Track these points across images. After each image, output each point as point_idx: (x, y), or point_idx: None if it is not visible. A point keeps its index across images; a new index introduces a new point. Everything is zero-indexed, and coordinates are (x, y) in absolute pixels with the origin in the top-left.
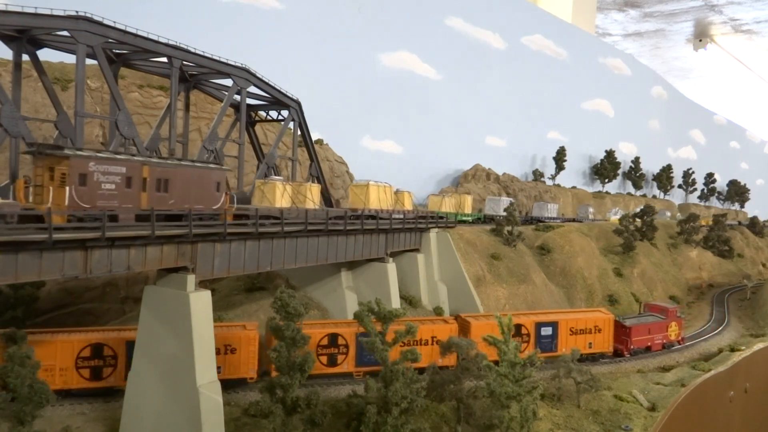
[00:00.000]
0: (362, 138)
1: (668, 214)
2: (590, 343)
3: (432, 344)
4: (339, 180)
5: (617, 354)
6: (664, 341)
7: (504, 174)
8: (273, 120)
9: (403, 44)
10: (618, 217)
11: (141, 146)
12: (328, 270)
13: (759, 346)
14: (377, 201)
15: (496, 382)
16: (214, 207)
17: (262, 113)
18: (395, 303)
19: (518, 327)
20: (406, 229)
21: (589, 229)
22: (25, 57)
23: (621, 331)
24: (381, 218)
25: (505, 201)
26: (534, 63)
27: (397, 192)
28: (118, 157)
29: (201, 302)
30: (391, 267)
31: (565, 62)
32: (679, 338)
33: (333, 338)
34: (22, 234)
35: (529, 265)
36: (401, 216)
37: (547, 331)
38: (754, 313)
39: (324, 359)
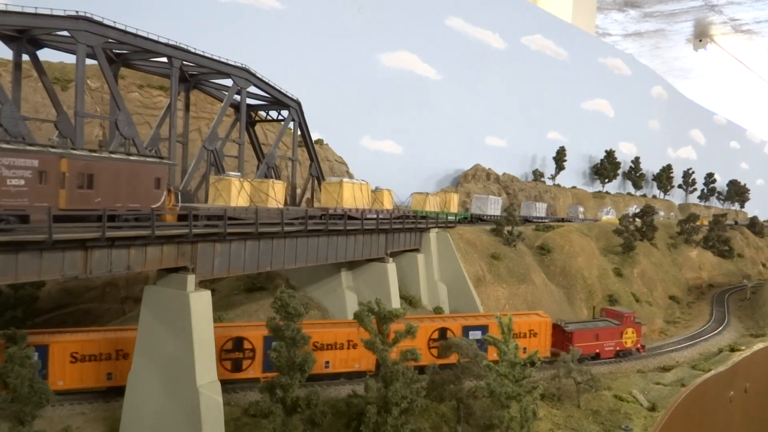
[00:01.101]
0: (362, 138)
1: (662, 213)
2: (524, 348)
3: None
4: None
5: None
6: (618, 348)
7: (504, 174)
8: (273, 120)
9: (403, 44)
10: (610, 216)
11: (141, 146)
12: (328, 270)
13: (759, 346)
14: (352, 200)
15: (496, 382)
16: (153, 206)
17: (262, 113)
18: (395, 303)
19: (444, 331)
20: (406, 229)
21: (589, 229)
22: (25, 57)
23: (562, 336)
24: (352, 218)
25: (493, 199)
26: (534, 63)
27: (375, 190)
28: (28, 148)
29: (201, 302)
30: (391, 267)
31: (565, 62)
32: (637, 345)
33: (238, 342)
34: (22, 234)
35: (529, 265)
36: (378, 216)
37: (476, 335)
38: (754, 313)
39: (228, 365)
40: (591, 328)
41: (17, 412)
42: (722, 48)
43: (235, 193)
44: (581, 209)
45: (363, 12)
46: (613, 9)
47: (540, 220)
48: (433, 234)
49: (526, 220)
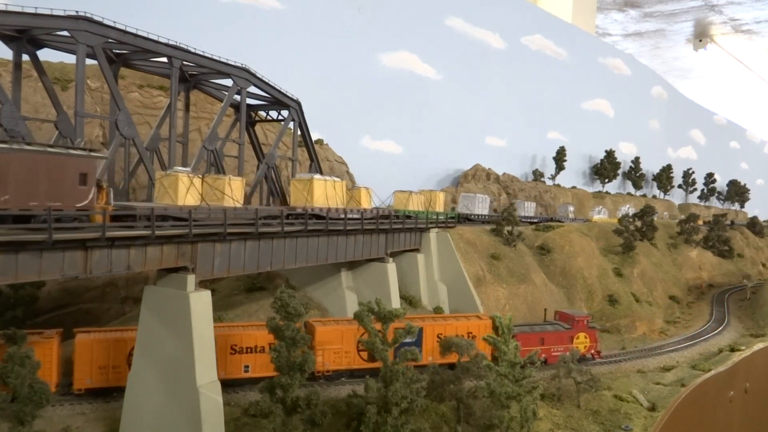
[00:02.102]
0: (362, 138)
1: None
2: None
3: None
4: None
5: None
6: (568, 353)
7: (504, 174)
8: (273, 120)
9: (403, 44)
10: (602, 216)
11: (141, 146)
12: (328, 270)
13: (759, 346)
14: (323, 198)
15: (496, 382)
16: (78, 205)
17: (262, 113)
18: (395, 303)
19: None
20: (406, 229)
21: (588, 229)
22: (25, 57)
23: None
24: (318, 217)
25: (481, 198)
26: (534, 63)
27: (353, 188)
28: None
29: (201, 302)
30: (391, 267)
31: (565, 62)
32: (592, 351)
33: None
34: (22, 234)
35: (529, 265)
36: (356, 216)
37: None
38: (754, 313)
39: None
40: (537, 331)
41: (17, 412)
42: (722, 48)
43: (183, 190)
44: (571, 208)
45: (363, 12)
46: (613, 9)
47: (528, 220)
48: (433, 234)
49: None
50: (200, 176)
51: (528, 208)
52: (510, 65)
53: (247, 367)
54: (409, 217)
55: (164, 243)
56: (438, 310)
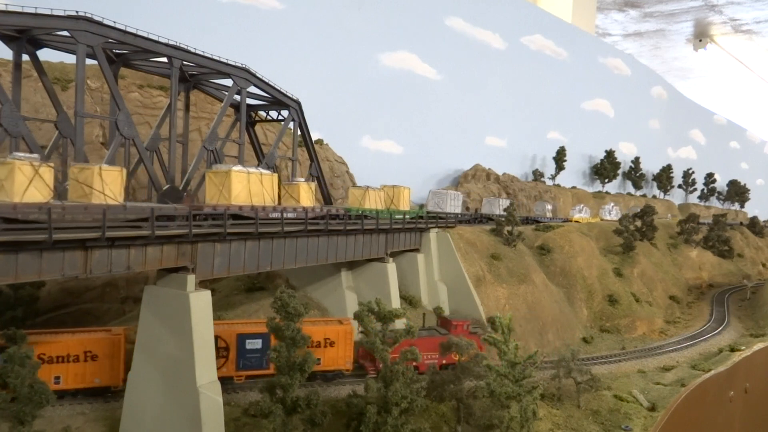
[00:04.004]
0: (362, 138)
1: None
2: (318, 359)
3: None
4: (339, 180)
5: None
6: (443, 362)
7: (504, 174)
8: (273, 120)
9: (403, 44)
10: (583, 215)
11: (141, 146)
12: (328, 270)
13: (759, 346)
14: (245, 194)
15: (496, 382)
16: None
17: (262, 113)
18: (395, 303)
19: (216, 340)
20: (406, 229)
21: (589, 229)
22: (25, 57)
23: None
24: (239, 217)
25: (453, 195)
26: (534, 63)
27: (290, 183)
28: None
29: (201, 302)
30: (391, 267)
31: (565, 62)
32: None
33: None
34: (22, 234)
35: (529, 265)
36: (291, 216)
37: (254, 344)
38: (754, 313)
39: None
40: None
41: (17, 412)
42: (722, 48)
43: (23, 182)
44: (549, 207)
45: (363, 12)
46: (613, 9)
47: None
48: (433, 234)
49: (489, 219)
50: (50, 165)
51: (503, 206)
52: (510, 65)
53: (58, 378)
54: (366, 217)
55: (164, 243)
56: (438, 310)
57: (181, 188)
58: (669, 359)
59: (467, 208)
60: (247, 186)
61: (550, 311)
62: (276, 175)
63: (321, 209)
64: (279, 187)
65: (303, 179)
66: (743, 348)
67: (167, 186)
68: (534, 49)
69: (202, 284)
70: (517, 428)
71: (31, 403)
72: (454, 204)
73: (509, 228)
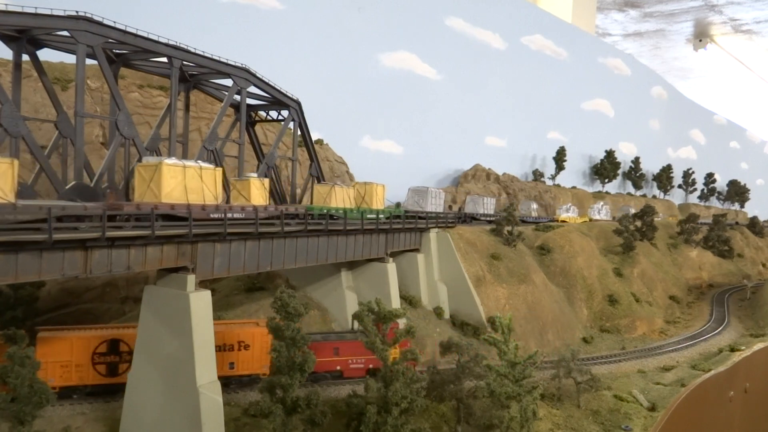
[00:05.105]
0: (362, 138)
1: (632, 210)
2: (232, 364)
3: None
4: (339, 180)
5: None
6: (371, 366)
7: (504, 174)
8: (273, 120)
9: (403, 44)
10: (570, 215)
11: (141, 146)
12: (328, 270)
13: (759, 346)
14: (180, 190)
15: (496, 382)
16: None
17: (262, 113)
18: (395, 303)
19: (115, 343)
20: (406, 229)
21: (589, 229)
22: (25, 57)
23: None
24: (169, 218)
25: (434, 192)
26: (534, 63)
27: (239, 179)
28: None
29: (201, 302)
30: (391, 267)
31: (565, 62)
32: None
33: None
34: (22, 234)
35: (529, 265)
36: (238, 216)
37: None
38: (754, 313)
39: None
40: (332, 340)
41: (17, 412)
42: (722, 48)
43: None
44: (534, 206)
45: (363, 12)
46: (613, 9)
47: (487, 219)
48: (433, 234)
49: (473, 218)
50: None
51: (488, 205)
52: (510, 65)
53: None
54: (332, 216)
55: (164, 243)
56: (438, 310)
57: (93, 185)
58: (669, 359)
59: (450, 207)
60: (182, 181)
61: (550, 311)
62: (221, 169)
63: (275, 209)
64: (226, 184)
65: (255, 174)
66: (743, 348)
67: (73, 182)
68: (534, 49)
69: (202, 284)
70: (517, 428)
71: (31, 403)
72: (435, 202)
73: (509, 228)
